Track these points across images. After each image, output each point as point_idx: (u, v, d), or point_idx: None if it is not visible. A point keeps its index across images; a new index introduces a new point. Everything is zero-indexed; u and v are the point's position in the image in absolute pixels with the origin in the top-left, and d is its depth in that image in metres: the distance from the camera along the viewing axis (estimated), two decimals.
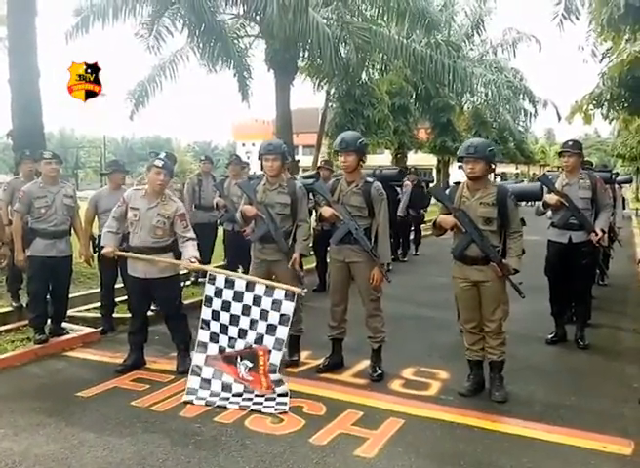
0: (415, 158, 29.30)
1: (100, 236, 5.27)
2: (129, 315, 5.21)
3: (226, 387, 4.20)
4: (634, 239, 14.23)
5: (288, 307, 4.14)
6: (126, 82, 22.65)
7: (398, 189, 10.64)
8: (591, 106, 9.38)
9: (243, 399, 4.12)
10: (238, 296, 4.26)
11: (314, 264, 8.19)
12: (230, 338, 4.26)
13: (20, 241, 5.34)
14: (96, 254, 5.88)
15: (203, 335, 4.33)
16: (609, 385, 4.57)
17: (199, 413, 3.96)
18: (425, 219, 12.35)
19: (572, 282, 5.50)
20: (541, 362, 5.21)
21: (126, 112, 14.61)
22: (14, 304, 6.47)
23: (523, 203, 5.80)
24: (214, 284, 4.33)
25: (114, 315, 6.08)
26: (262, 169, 4.84)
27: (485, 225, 4.14)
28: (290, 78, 13.86)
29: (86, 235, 5.81)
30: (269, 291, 4.21)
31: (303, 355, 5.10)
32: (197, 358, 4.33)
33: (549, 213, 5.55)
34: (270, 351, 4.12)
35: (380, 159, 29.24)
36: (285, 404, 4.01)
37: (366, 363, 4.83)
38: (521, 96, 23.81)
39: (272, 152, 4.70)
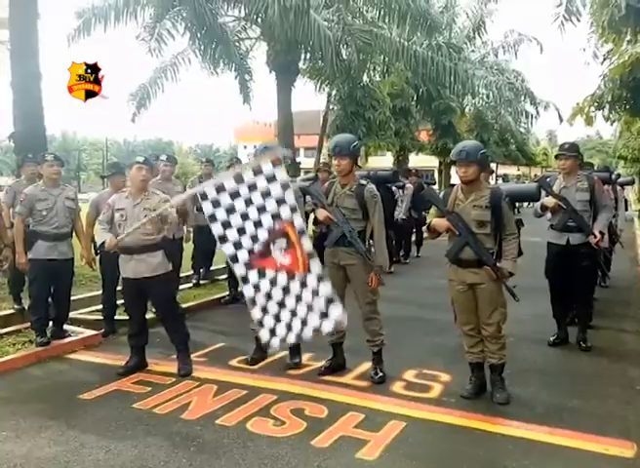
0: (416, 160, 29.28)
1: None
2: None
3: (273, 282, 3.94)
4: (638, 241, 14.18)
5: (281, 175, 3.89)
6: (128, 84, 22.67)
7: (399, 191, 10.63)
8: (592, 108, 9.36)
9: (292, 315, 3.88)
10: (234, 194, 4.02)
11: None
12: (252, 237, 4.03)
13: (21, 243, 5.35)
14: (98, 257, 5.89)
15: (228, 249, 4.06)
16: (611, 387, 4.55)
17: (201, 416, 3.96)
18: (427, 221, 12.34)
19: (572, 283, 5.49)
20: (544, 364, 5.20)
21: (128, 115, 14.67)
22: (16, 307, 6.48)
23: (525, 204, 5.80)
24: (207, 198, 4.07)
25: (116, 317, 6.09)
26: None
27: (479, 228, 4.12)
28: (291, 80, 13.88)
29: (87, 238, 5.82)
30: (257, 170, 3.93)
31: (305, 357, 5.11)
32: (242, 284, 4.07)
33: (548, 214, 5.55)
34: (292, 222, 3.88)
35: (382, 161, 29.30)
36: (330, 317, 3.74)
37: (367, 365, 4.82)
38: (522, 97, 23.75)
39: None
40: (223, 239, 4.09)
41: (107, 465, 3.34)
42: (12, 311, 6.44)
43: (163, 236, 4.82)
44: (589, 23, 8.55)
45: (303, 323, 3.83)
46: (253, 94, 14.39)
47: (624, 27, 7.40)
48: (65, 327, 5.76)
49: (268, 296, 3.93)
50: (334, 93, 19.40)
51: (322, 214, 4.65)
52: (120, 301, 6.14)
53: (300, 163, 15.64)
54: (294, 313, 3.88)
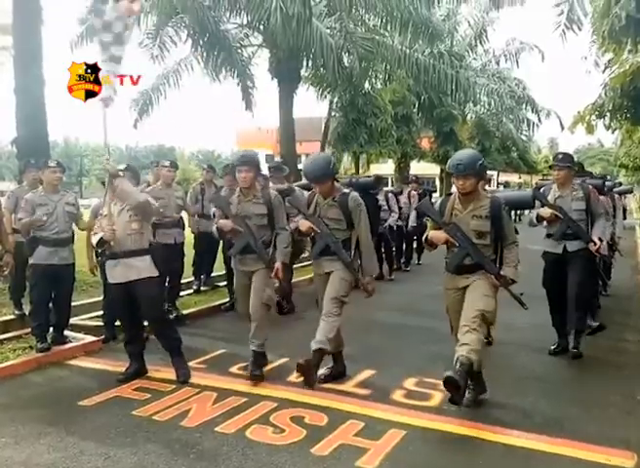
0: (417, 167, 29.30)
1: None
2: None
3: None
4: (638, 249, 14.15)
5: None
6: (130, 90, 22.72)
7: (405, 200, 10.69)
8: (594, 116, 9.41)
9: None
10: None
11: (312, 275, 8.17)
12: None
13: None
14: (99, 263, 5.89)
15: None
16: (612, 397, 4.53)
17: (200, 423, 3.95)
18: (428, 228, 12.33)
19: (569, 290, 5.43)
20: (544, 372, 5.17)
21: (130, 121, 14.72)
22: (16, 312, 6.48)
23: (526, 211, 5.81)
24: None
25: (116, 323, 6.07)
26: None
27: (478, 239, 4.08)
28: (293, 87, 13.94)
29: (89, 244, 5.82)
30: None
31: None
32: None
33: (544, 224, 5.53)
34: None
35: (384, 168, 29.35)
36: None
37: (368, 372, 4.82)
38: (524, 105, 23.77)
39: (245, 163, 4.73)
40: None
41: None
42: (12, 317, 6.44)
43: (150, 242, 4.81)
44: (590, 32, 8.61)
45: None
46: (255, 100, 14.46)
47: (625, 37, 7.44)
48: (66, 333, 5.75)
49: None
50: (335, 100, 19.47)
51: (304, 224, 4.62)
52: None
53: (301, 170, 15.65)
54: None
